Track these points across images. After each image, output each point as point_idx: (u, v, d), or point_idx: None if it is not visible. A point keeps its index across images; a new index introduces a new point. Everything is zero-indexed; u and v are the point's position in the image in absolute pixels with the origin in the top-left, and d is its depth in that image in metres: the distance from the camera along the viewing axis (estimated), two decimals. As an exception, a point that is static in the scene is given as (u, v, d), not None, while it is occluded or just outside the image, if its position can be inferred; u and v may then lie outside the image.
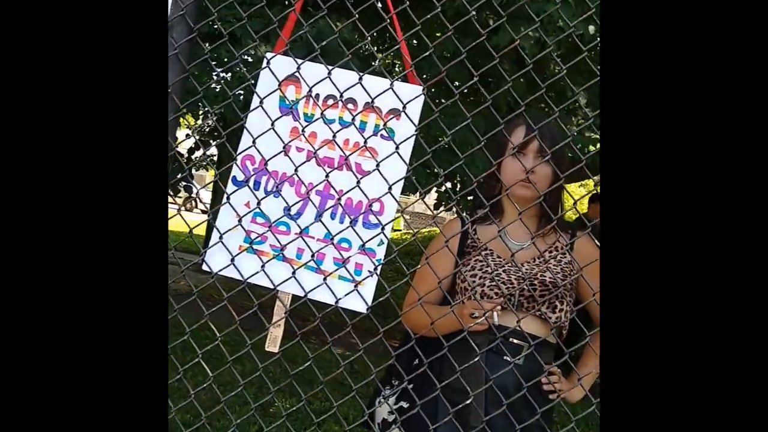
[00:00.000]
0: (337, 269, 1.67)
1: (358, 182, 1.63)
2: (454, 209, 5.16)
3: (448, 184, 5.58)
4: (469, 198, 4.84)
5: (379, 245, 1.68)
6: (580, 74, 5.09)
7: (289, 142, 1.69)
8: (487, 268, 1.96)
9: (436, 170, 3.90)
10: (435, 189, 4.95)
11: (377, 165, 1.62)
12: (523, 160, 1.95)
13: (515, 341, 1.92)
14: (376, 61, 1.67)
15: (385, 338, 1.63)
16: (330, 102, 1.75)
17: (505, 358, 1.90)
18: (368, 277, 1.67)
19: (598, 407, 1.59)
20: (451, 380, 1.79)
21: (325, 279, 1.66)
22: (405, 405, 2.07)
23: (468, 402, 1.83)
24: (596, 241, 2.17)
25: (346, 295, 1.65)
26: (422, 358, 1.86)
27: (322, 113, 1.68)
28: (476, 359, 1.73)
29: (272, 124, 1.67)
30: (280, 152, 1.68)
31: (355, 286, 1.65)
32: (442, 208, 6.17)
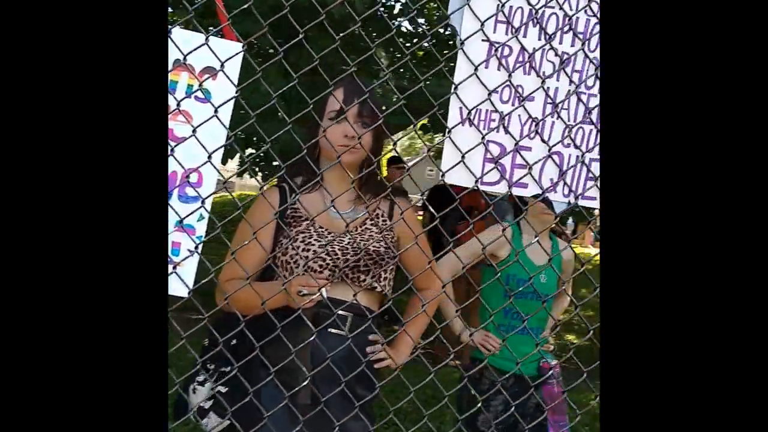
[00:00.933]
0: (152, 250, 1.47)
1: (172, 150, 1.43)
2: (260, 176, 4.96)
3: (250, 150, 5.36)
4: (275, 164, 4.67)
5: (198, 221, 1.51)
6: (381, 33, 5.10)
7: (86, 104, 1.44)
8: (311, 239, 1.86)
9: (241, 136, 3.70)
10: (238, 155, 4.73)
11: (194, 130, 1.44)
12: (344, 125, 1.86)
13: (341, 313, 1.85)
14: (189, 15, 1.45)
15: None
16: (133, 58, 1.51)
17: (331, 330, 1.83)
18: (188, 257, 1.49)
19: (424, 368, 1.57)
20: (277, 358, 1.69)
21: (137, 261, 1.45)
22: (223, 390, 1.92)
23: (301, 379, 1.74)
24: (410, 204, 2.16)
25: (163, 278, 1.46)
26: (252, 337, 1.73)
27: (125, 71, 1.44)
28: (312, 338, 1.64)
29: (63, 83, 1.41)
30: (75, 116, 1.42)
31: (174, 268, 1.46)
32: (246, 175, 5.97)
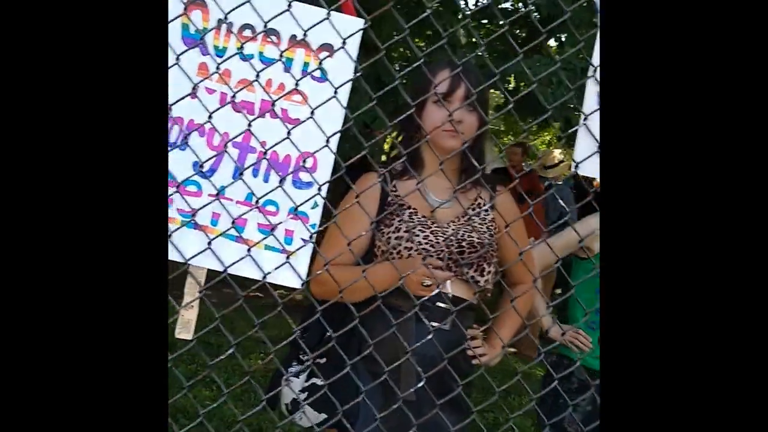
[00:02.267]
0: (264, 238, 1.39)
1: (289, 133, 1.34)
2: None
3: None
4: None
5: (313, 208, 1.42)
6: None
7: (199, 83, 1.36)
8: (414, 230, 1.77)
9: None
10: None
11: (312, 112, 1.34)
12: (449, 108, 1.74)
13: (441, 305, 1.76)
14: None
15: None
16: (246, 33, 1.42)
17: (432, 324, 1.73)
18: (302, 246, 1.40)
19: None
20: (374, 351, 1.60)
21: (249, 250, 1.37)
22: (319, 382, 1.85)
23: (405, 374, 1.66)
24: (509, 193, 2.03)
25: (276, 268, 1.38)
26: (346, 329, 1.65)
27: (242, 46, 1.35)
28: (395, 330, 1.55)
29: (177, 59, 1.33)
30: (187, 95, 1.34)
31: (288, 258, 1.38)
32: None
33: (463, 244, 1.78)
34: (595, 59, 1.38)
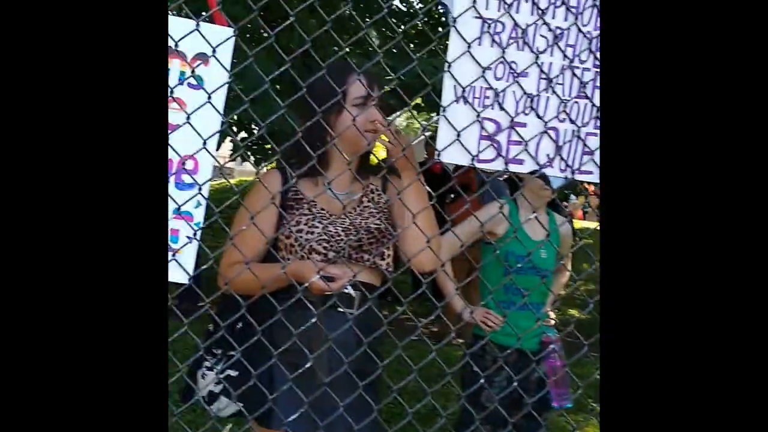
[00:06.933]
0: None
1: (168, 138, 1.43)
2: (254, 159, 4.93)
3: (243, 134, 5.35)
4: (267, 147, 4.65)
5: (196, 207, 1.51)
6: (372, 13, 5.05)
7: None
8: (314, 221, 1.86)
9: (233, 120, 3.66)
10: (229, 139, 4.71)
11: (188, 117, 1.44)
12: (366, 111, 1.85)
13: (347, 292, 1.85)
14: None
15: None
16: (124, 46, 1.51)
17: (339, 310, 1.83)
18: (187, 243, 1.49)
19: (427, 347, 1.58)
20: (283, 340, 1.69)
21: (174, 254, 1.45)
22: (233, 374, 1.93)
23: (317, 361, 1.75)
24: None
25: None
26: (251, 321, 1.73)
27: (116, 59, 1.44)
28: (313, 319, 1.65)
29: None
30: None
31: (173, 255, 1.47)
32: (238, 159, 5.91)
33: (362, 231, 1.88)
34: (451, 56, 1.51)
